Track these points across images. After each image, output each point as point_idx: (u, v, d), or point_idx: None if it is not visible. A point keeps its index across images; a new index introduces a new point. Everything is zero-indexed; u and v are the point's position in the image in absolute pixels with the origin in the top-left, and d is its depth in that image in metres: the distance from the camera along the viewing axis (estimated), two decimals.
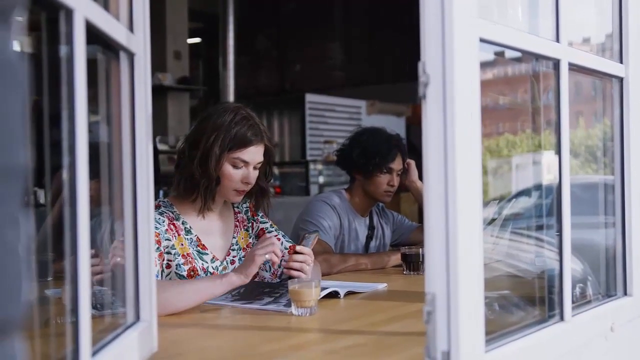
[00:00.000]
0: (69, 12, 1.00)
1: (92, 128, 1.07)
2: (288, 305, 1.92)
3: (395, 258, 2.83)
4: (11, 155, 0.54)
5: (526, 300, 1.70)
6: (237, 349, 1.63)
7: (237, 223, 2.40)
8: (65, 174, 1.01)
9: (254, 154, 2.23)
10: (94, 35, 1.11)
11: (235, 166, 2.21)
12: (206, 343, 1.69)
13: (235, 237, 2.37)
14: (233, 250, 2.35)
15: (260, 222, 2.46)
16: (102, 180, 1.34)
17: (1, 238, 0.52)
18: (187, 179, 2.22)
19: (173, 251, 2.16)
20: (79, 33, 1.01)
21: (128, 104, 1.36)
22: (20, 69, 0.56)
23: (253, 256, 2.00)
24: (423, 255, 2.67)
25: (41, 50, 1.02)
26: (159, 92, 7.28)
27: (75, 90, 1.01)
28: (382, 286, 2.36)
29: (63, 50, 1.01)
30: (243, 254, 2.36)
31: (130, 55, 1.35)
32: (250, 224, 2.43)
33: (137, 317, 1.38)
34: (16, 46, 0.58)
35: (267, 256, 2.00)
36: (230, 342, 1.70)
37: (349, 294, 2.19)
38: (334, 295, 2.12)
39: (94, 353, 1.09)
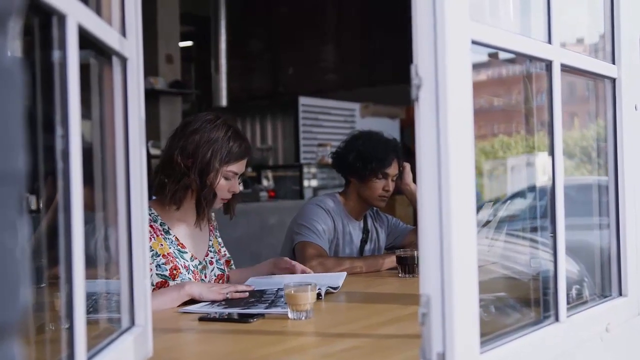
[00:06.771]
0: (62, 18, 0.99)
1: (84, 133, 1.07)
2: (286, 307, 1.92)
3: (390, 261, 2.83)
4: (9, 160, 0.54)
5: (521, 301, 1.70)
6: (233, 353, 1.63)
7: (212, 228, 2.51)
8: (58, 180, 1.01)
9: (244, 165, 2.37)
10: (86, 40, 1.11)
11: (226, 178, 2.32)
12: (201, 348, 1.69)
13: (211, 240, 2.48)
14: (211, 251, 2.45)
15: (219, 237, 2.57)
16: (95, 186, 1.33)
17: (0, 242, 0.52)
18: (181, 190, 2.28)
19: (151, 252, 2.21)
20: (72, 38, 1.01)
21: (121, 109, 1.36)
22: (17, 74, 0.57)
23: (216, 292, 2.13)
24: (418, 257, 2.68)
25: (33, 55, 1.02)
26: (151, 96, 7.25)
27: (69, 95, 1.00)
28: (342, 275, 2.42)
29: (56, 55, 1.01)
30: (218, 257, 2.47)
31: (123, 60, 1.35)
32: (217, 233, 2.55)
33: (132, 322, 1.37)
34: (12, 51, 0.58)
35: (228, 295, 2.14)
36: (225, 347, 1.69)
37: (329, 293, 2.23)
38: (328, 292, 2.15)
39: (89, 358, 1.08)
